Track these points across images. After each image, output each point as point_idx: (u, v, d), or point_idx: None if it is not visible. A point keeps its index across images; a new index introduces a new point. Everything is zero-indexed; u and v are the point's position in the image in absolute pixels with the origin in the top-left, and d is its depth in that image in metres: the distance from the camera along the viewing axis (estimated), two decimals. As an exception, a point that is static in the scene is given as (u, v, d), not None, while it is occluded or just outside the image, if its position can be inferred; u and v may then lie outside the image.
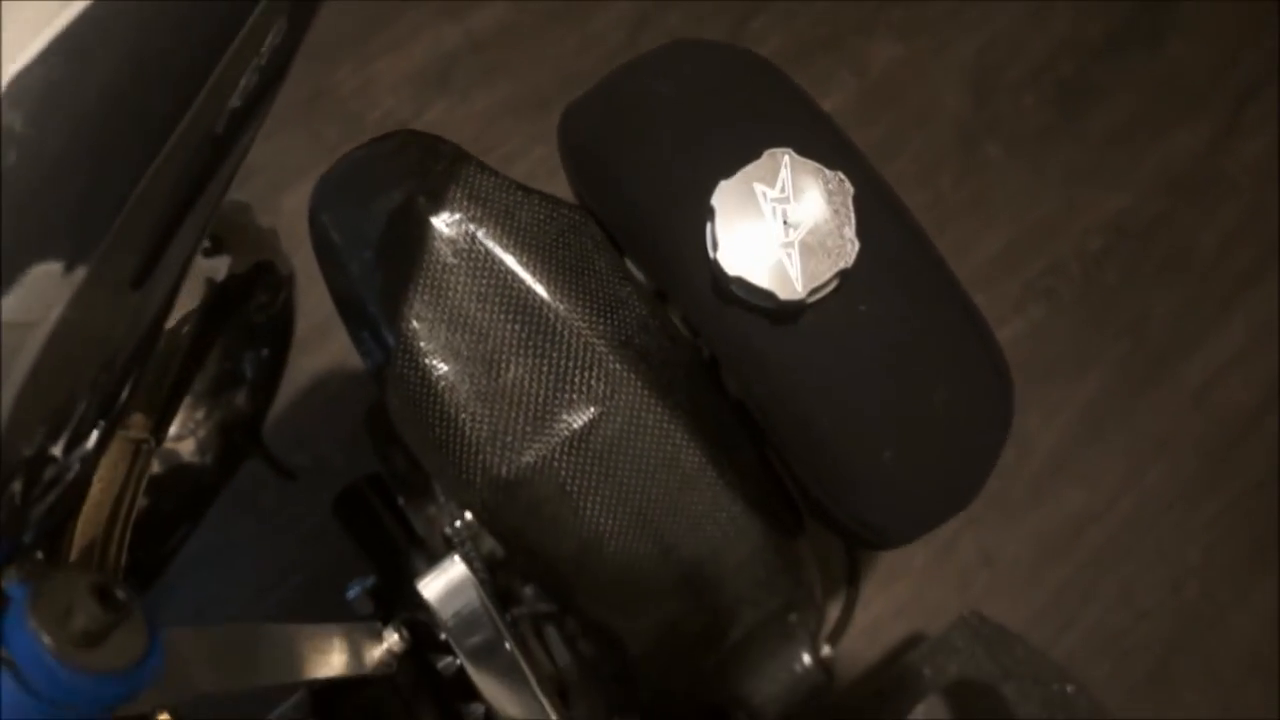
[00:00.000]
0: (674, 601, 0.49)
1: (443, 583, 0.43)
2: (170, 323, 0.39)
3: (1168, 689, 0.78)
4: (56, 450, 0.26)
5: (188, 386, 0.47)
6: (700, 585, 0.50)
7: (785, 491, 0.53)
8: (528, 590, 0.52)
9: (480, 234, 0.41)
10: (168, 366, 0.43)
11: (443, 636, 0.43)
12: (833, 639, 0.59)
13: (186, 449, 0.56)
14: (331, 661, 0.39)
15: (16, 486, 0.25)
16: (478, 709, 0.44)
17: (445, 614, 0.43)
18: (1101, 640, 0.78)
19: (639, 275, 0.44)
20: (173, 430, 0.57)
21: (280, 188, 0.74)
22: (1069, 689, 0.59)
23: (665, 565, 0.49)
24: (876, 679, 0.64)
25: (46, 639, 0.24)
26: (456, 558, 0.43)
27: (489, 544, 0.49)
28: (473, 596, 0.43)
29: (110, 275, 0.23)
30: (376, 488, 0.54)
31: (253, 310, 0.51)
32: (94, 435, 0.28)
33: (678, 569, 0.49)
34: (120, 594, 0.25)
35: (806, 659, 0.58)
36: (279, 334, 0.55)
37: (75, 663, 0.24)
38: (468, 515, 0.48)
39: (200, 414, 0.57)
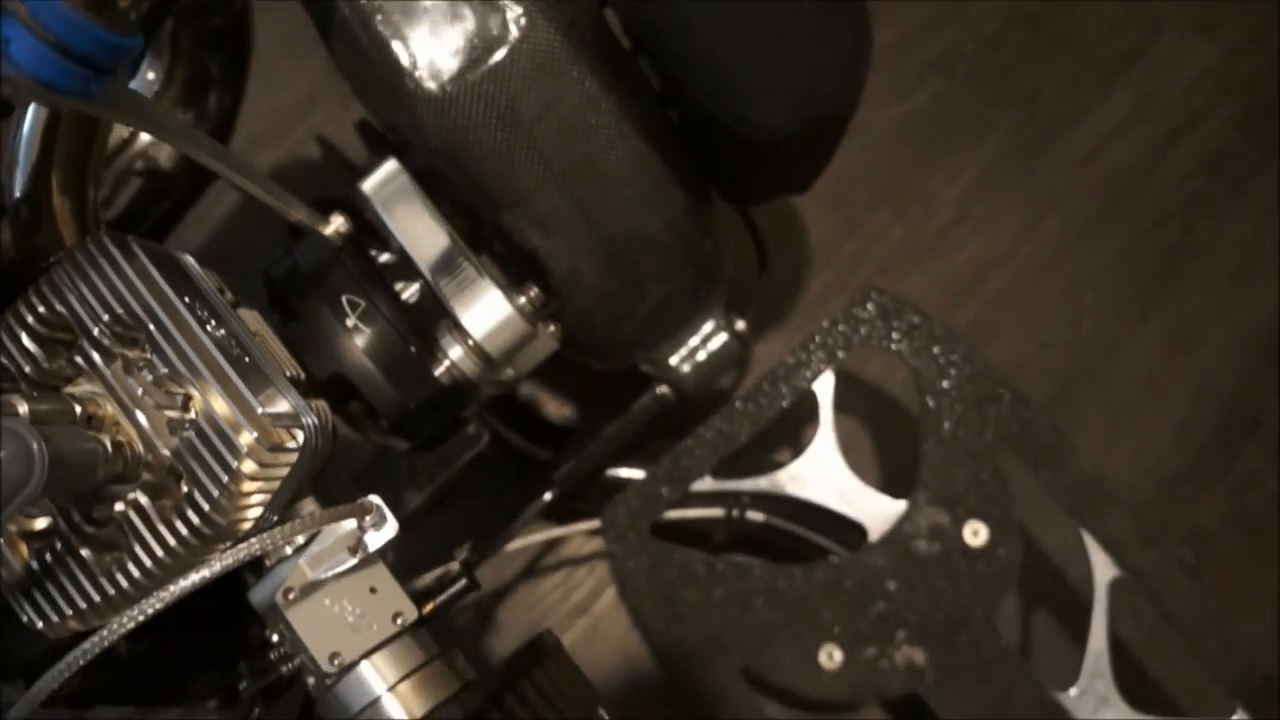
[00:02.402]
0: (587, 259, 0.56)
1: (379, 177, 0.50)
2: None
3: (1068, 411, 0.85)
4: None
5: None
6: (614, 252, 0.57)
7: (692, 170, 0.60)
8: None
9: None
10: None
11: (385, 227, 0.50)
12: (745, 314, 0.66)
13: (163, 155, 0.63)
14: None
15: None
16: (415, 288, 0.51)
17: (381, 203, 0.50)
18: (1007, 370, 0.85)
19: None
20: (146, 135, 0.64)
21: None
22: (956, 353, 0.67)
23: (582, 224, 0.56)
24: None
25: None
26: (391, 158, 0.50)
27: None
28: (406, 184, 0.50)
29: None
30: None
31: (211, 10, 0.58)
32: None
33: (595, 230, 0.56)
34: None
35: (721, 329, 0.66)
36: (239, 33, 0.62)
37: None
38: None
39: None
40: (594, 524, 0.67)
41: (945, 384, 0.66)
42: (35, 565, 0.38)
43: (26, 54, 0.31)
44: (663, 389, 0.65)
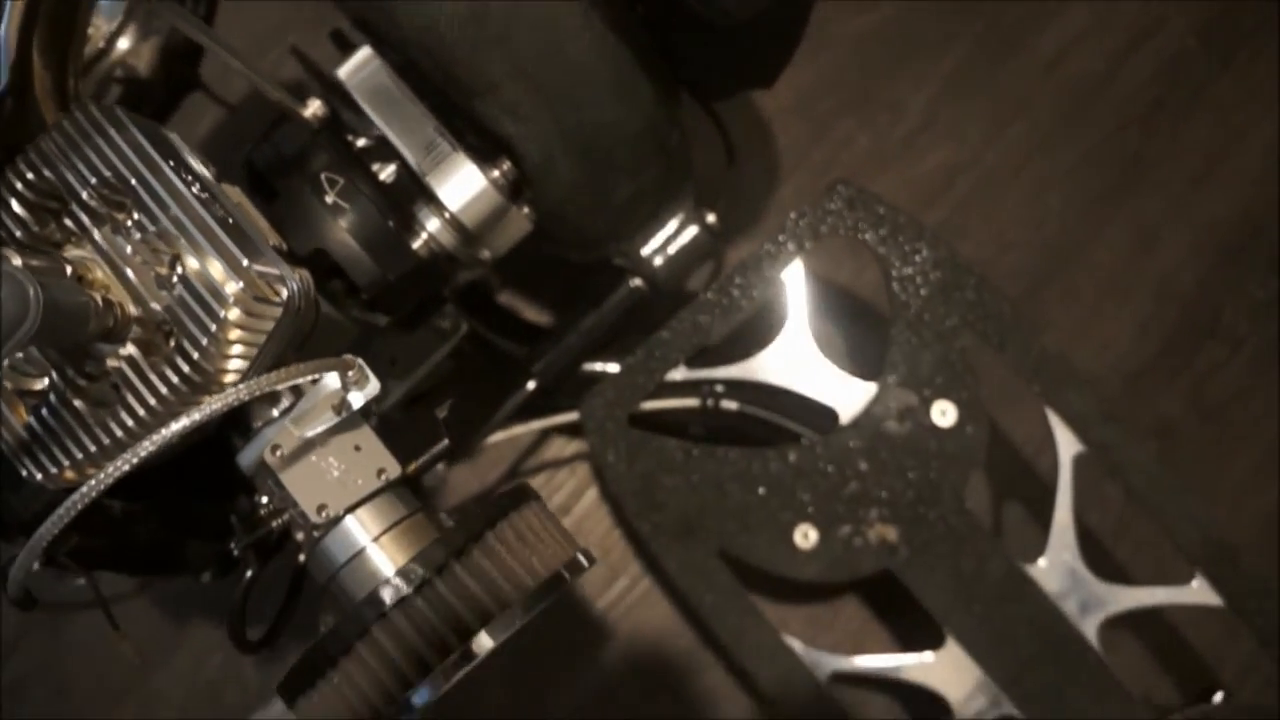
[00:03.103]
0: (559, 147, 0.57)
1: (354, 62, 0.51)
2: None
3: (1034, 310, 0.88)
4: None
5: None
6: (585, 141, 0.58)
7: (659, 63, 0.61)
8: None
9: None
10: None
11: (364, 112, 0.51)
12: (715, 208, 0.68)
13: (142, 64, 0.64)
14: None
15: None
16: (391, 169, 0.52)
17: (356, 87, 0.51)
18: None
19: None
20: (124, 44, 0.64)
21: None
22: (921, 240, 0.69)
23: (551, 112, 0.56)
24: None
25: None
26: (366, 46, 0.51)
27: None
28: (380, 69, 0.51)
29: None
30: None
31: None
32: None
33: (565, 118, 0.57)
34: None
35: (692, 221, 0.67)
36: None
37: None
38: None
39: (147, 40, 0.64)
40: (572, 416, 0.69)
41: (911, 270, 0.68)
42: (33, 422, 0.40)
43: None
44: (636, 281, 0.67)
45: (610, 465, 0.68)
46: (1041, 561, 0.66)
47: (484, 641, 0.41)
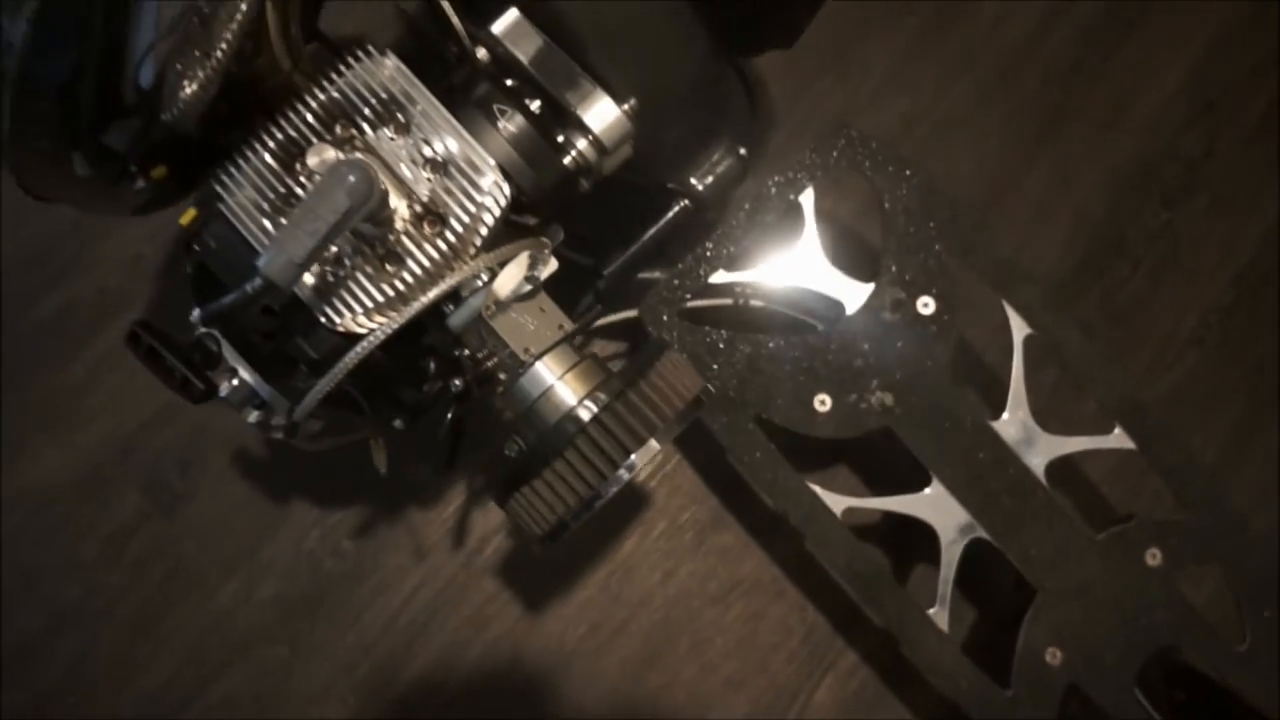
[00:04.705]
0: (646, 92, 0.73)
1: (505, 21, 0.66)
2: None
3: (980, 234, 1.07)
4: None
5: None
6: (662, 86, 0.74)
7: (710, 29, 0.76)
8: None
9: None
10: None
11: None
12: (746, 144, 0.85)
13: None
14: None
15: None
16: (536, 104, 0.67)
17: (508, 39, 0.65)
18: (932, 202, 1.06)
19: None
20: None
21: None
22: (907, 168, 0.86)
23: (641, 65, 0.72)
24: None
25: None
26: (513, 8, 0.66)
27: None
28: (524, 23, 0.65)
29: None
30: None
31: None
32: None
33: (650, 69, 0.72)
34: None
35: (729, 155, 0.84)
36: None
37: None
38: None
39: None
40: (633, 313, 0.85)
41: (899, 193, 0.86)
42: (330, 278, 0.55)
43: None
44: (685, 202, 0.83)
45: (665, 351, 0.84)
46: (1004, 416, 0.85)
47: (652, 445, 0.58)
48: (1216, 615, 0.88)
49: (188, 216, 0.57)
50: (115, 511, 0.95)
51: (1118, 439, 0.87)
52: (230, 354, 0.59)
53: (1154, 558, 0.87)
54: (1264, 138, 1.15)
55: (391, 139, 0.54)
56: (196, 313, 0.60)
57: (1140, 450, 0.87)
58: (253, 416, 0.62)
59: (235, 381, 0.60)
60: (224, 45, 0.50)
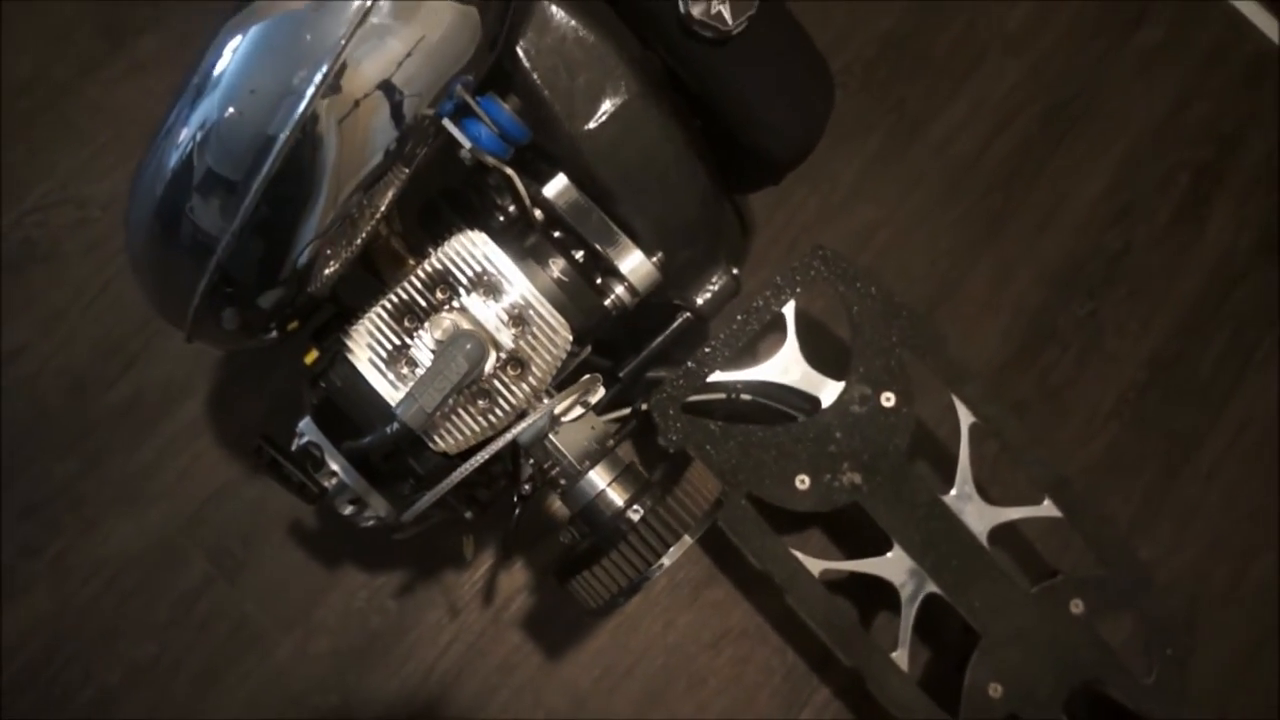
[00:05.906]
0: (662, 233, 0.88)
1: (555, 186, 0.81)
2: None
3: (932, 324, 1.24)
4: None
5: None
6: (676, 223, 0.89)
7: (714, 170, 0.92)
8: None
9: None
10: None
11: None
12: (738, 264, 1.01)
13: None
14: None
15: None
16: (580, 254, 0.83)
17: (556, 200, 0.81)
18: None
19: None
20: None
21: None
22: (871, 284, 1.03)
23: (658, 207, 0.87)
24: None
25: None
26: (560, 174, 0.81)
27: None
28: (569, 186, 0.80)
29: None
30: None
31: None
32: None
33: (665, 209, 0.87)
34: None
35: (725, 274, 0.99)
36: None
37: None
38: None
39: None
40: (642, 406, 1.01)
41: (866, 303, 1.02)
42: (437, 414, 0.69)
43: (488, 141, 0.62)
44: (688, 315, 0.99)
45: (672, 441, 1.00)
46: (953, 492, 1.02)
47: (685, 540, 0.73)
48: (1129, 654, 1.05)
49: (310, 356, 0.72)
50: (183, 577, 1.08)
51: (1047, 508, 1.04)
52: (335, 461, 0.74)
53: (1077, 607, 1.03)
54: (1174, 234, 1.34)
55: (483, 302, 0.69)
56: (305, 422, 0.74)
57: (1066, 517, 1.04)
58: (348, 510, 0.77)
59: (333, 481, 0.74)
60: (364, 236, 0.65)
